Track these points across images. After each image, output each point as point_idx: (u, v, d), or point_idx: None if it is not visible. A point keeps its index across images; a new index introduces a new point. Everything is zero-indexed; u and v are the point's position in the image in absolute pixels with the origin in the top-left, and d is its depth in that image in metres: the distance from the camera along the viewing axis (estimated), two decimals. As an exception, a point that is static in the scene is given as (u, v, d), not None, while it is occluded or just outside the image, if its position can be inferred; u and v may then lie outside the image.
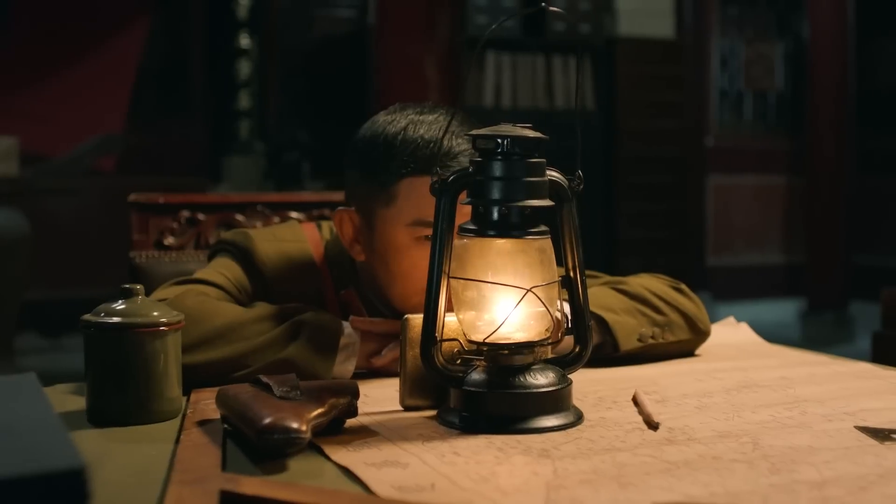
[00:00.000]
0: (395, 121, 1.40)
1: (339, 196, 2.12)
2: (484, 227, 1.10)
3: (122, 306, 1.12)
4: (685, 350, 1.51)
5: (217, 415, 1.10)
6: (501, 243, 1.10)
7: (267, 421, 0.94)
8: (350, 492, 0.86)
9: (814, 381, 1.32)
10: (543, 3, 1.00)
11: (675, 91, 6.61)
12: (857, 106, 6.69)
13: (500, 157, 1.09)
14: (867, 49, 7.09)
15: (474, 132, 1.11)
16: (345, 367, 1.32)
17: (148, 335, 1.11)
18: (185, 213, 2.01)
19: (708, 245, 7.38)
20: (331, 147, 6.07)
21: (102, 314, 1.12)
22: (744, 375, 1.35)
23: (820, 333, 6.30)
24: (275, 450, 0.94)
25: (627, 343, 1.42)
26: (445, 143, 1.34)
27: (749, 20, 7.49)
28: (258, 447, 0.95)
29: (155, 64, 5.80)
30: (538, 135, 1.09)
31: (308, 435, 0.95)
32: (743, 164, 7.49)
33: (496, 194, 1.09)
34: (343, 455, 0.97)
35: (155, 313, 1.13)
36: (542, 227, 1.11)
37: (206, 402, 1.17)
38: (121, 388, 1.11)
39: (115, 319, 1.11)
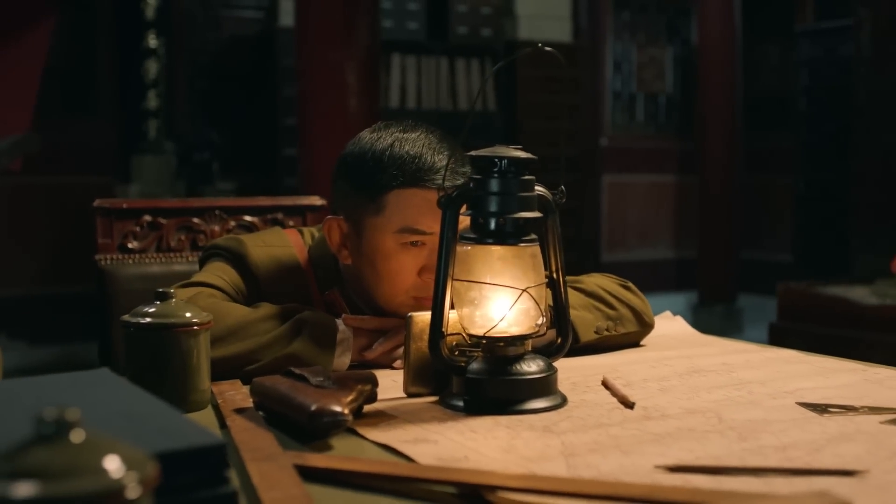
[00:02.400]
0: (381, 138, 1.55)
1: (289, 201, 2.27)
2: (483, 236, 1.26)
3: (159, 308, 1.25)
4: (633, 341, 1.69)
5: (247, 403, 1.24)
6: (499, 250, 1.26)
7: (315, 407, 1.09)
8: (406, 462, 1.01)
9: (751, 365, 1.52)
10: (540, 45, 1.17)
11: (572, 93, 6.89)
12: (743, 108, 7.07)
13: (496, 175, 1.25)
14: (751, 54, 7.47)
15: (473, 153, 1.27)
16: (342, 360, 1.46)
17: (184, 334, 1.24)
18: (147, 218, 2.12)
19: (602, 241, 7.68)
20: (239, 147, 6.15)
21: (141, 316, 1.24)
22: (690, 362, 1.54)
23: (710, 325, 6.64)
24: (322, 431, 1.09)
25: (586, 335, 1.60)
26: (430, 158, 1.50)
27: (641, 25, 7.81)
28: (308, 429, 1.09)
29: (61, 63, 5.77)
30: (529, 155, 1.26)
31: (350, 417, 1.10)
32: (635, 163, 7.82)
33: (494, 207, 1.25)
34: (377, 435, 1.12)
35: (188, 314, 1.25)
36: (533, 236, 1.28)
37: (230, 394, 1.31)
38: (160, 381, 1.23)
39: (155, 320, 1.23)
